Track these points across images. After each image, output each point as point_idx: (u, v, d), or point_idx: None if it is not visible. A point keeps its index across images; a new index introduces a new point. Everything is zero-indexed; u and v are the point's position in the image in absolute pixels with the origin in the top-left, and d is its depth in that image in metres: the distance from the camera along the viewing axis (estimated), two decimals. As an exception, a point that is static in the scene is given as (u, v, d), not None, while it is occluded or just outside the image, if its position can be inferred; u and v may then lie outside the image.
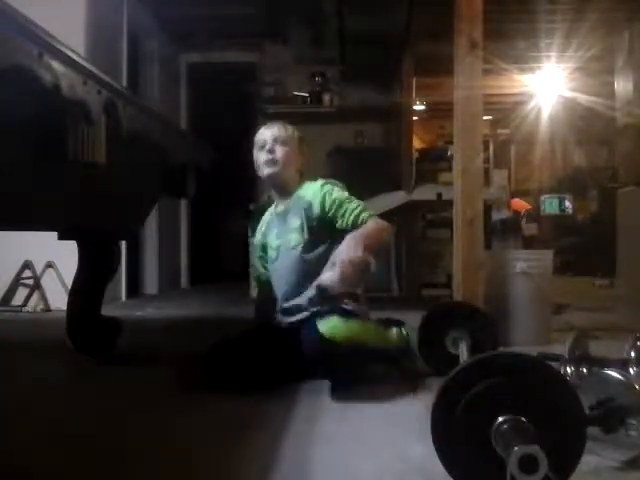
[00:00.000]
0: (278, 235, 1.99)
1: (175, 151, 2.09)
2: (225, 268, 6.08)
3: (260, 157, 1.97)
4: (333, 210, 1.86)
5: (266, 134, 1.98)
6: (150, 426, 1.39)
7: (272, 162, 1.94)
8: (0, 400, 1.62)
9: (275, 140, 1.95)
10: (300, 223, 1.89)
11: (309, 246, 1.87)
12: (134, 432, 1.35)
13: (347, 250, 1.64)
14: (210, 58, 5.54)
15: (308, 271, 1.82)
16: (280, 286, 1.95)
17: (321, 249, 1.87)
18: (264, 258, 2.09)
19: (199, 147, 2.42)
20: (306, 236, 1.88)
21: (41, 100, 1.19)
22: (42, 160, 1.33)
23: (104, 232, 2.13)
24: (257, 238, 2.13)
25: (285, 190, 2.00)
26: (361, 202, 1.89)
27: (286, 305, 1.90)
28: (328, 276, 1.62)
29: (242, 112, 5.67)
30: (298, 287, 1.86)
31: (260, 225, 2.13)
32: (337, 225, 1.85)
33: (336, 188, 1.93)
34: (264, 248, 2.08)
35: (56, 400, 1.67)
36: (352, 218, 1.82)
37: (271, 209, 2.11)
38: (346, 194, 1.92)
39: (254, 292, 4.47)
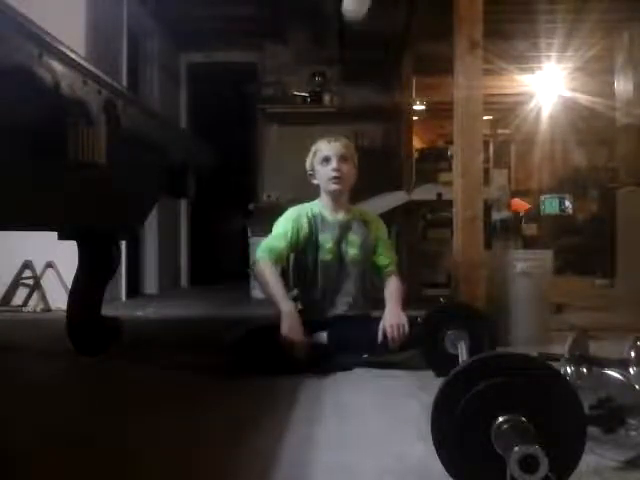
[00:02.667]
0: (335, 240, 2.11)
1: (175, 151, 2.09)
2: (225, 268, 6.07)
3: (324, 172, 2.11)
4: (378, 246, 2.17)
5: (331, 150, 2.11)
6: (150, 426, 1.39)
7: (338, 180, 2.10)
8: (0, 400, 1.62)
9: (341, 158, 2.10)
10: (361, 242, 2.14)
11: (362, 264, 2.15)
12: (134, 432, 1.35)
13: (396, 317, 1.98)
14: (210, 58, 5.55)
15: (362, 286, 2.15)
16: (335, 291, 2.13)
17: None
18: (292, 245, 2.09)
19: (199, 147, 2.42)
20: (362, 255, 2.14)
21: (41, 100, 1.19)
22: (42, 160, 1.33)
23: (104, 232, 2.13)
24: (293, 224, 2.10)
25: (341, 202, 2.17)
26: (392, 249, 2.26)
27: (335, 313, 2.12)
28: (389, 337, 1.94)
29: (242, 112, 5.67)
30: (353, 297, 2.13)
31: (301, 217, 2.12)
32: (372, 257, 2.17)
33: (384, 228, 2.24)
34: (308, 241, 2.10)
35: (56, 400, 1.67)
36: (386, 263, 2.16)
37: (321, 210, 2.15)
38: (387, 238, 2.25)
39: (257, 292, 4.48)
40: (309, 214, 2.13)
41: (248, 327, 2.03)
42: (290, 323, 1.87)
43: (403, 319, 1.96)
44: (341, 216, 2.15)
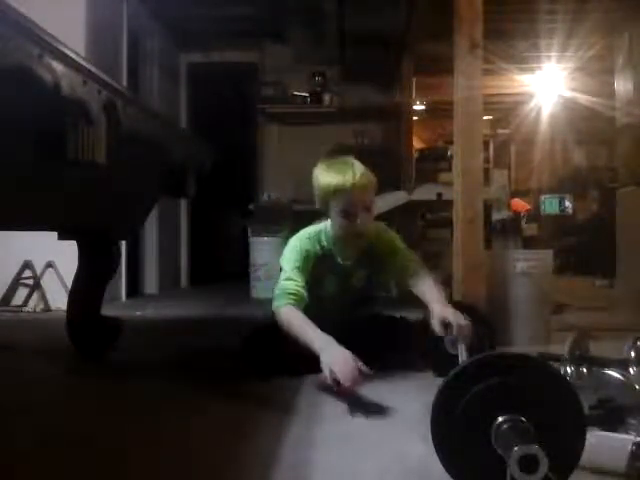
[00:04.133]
0: (337, 283, 1.95)
1: (175, 151, 2.09)
2: (225, 268, 6.07)
3: (343, 224, 1.80)
4: (395, 261, 1.92)
5: (355, 203, 1.77)
6: (150, 426, 1.39)
7: (359, 235, 1.83)
8: (0, 400, 1.62)
9: (366, 207, 1.80)
10: (368, 274, 1.99)
11: (366, 289, 2.04)
12: (134, 432, 1.34)
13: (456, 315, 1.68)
14: (210, 58, 5.54)
15: (356, 302, 2.04)
16: (325, 314, 1.85)
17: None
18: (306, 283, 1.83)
19: (199, 147, 2.42)
20: (368, 283, 2.02)
21: (41, 100, 1.19)
22: (42, 160, 1.33)
23: (104, 232, 2.13)
24: (307, 259, 1.85)
25: (356, 250, 1.92)
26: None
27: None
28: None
29: (242, 112, 5.67)
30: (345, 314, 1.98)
31: (313, 250, 1.88)
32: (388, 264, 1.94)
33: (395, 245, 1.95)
34: (312, 276, 1.86)
35: (56, 400, 1.67)
36: (408, 264, 1.91)
37: (332, 249, 1.91)
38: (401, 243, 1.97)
39: (257, 292, 4.49)
40: (318, 251, 1.89)
41: (256, 327, 1.99)
42: (342, 364, 1.47)
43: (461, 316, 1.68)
44: (353, 257, 1.93)
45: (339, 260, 1.92)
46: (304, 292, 1.78)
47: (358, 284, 2.00)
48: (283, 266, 1.85)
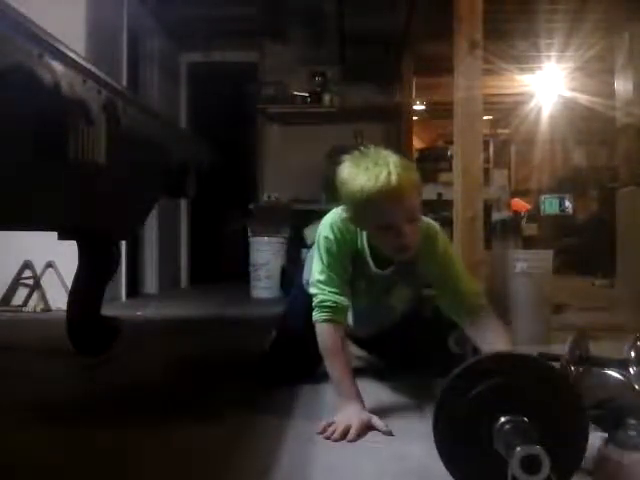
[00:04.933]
0: (369, 292, 1.63)
1: (175, 151, 2.09)
2: (225, 268, 6.07)
3: (387, 240, 1.42)
4: (443, 273, 1.54)
5: (397, 213, 1.37)
6: (150, 426, 1.39)
7: (405, 249, 1.42)
8: (0, 400, 1.62)
9: (408, 220, 1.38)
10: (415, 285, 1.69)
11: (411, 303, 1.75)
12: (134, 432, 1.34)
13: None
14: (210, 58, 5.54)
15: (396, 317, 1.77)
16: (361, 326, 1.73)
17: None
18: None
19: (199, 147, 2.42)
20: (412, 300, 1.73)
21: (41, 100, 1.19)
22: (42, 160, 1.33)
23: (104, 232, 2.13)
24: (346, 265, 1.53)
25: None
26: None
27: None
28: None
29: (242, 112, 5.67)
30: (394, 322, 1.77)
31: (350, 253, 1.53)
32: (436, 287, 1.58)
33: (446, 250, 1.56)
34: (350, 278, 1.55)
35: (56, 400, 1.67)
36: (472, 292, 1.52)
37: (361, 253, 1.54)
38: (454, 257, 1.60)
39: (257, 292, 4.49)
40: (353, 248, 1.53)
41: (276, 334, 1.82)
42: (355, 431, 1.27)
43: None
44: (390, 268, 1.57)
45: (373, 267, 1.56)
46: (346, 303, 1.49)
47: (399, 305, 1.69)
48: (319, 263, 1.51)
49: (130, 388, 1.79)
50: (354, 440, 1.25)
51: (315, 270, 1.52)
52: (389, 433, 1.29)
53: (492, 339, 1.43)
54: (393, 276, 1.59)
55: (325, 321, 1.46)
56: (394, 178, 1.32)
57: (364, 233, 1.51)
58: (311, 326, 1.49)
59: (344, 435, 1.25)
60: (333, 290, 1.48)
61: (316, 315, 1.48)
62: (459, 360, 1.04)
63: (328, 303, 1.47)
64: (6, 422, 1.43)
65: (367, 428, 1.30)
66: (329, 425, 1.29)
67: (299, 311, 1.67)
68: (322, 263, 1.50)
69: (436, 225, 1.59)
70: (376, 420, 1.32)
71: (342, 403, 1.38)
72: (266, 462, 1.13)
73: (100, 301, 2.18)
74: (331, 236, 1.50)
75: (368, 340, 1.89)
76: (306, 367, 1.74)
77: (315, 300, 1.49)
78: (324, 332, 1.47)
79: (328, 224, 1.52)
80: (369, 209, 1.37)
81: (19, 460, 1.18)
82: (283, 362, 1.74)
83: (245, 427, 1.37)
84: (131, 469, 1.14)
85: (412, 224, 1.40)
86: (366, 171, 1.35)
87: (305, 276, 1.74)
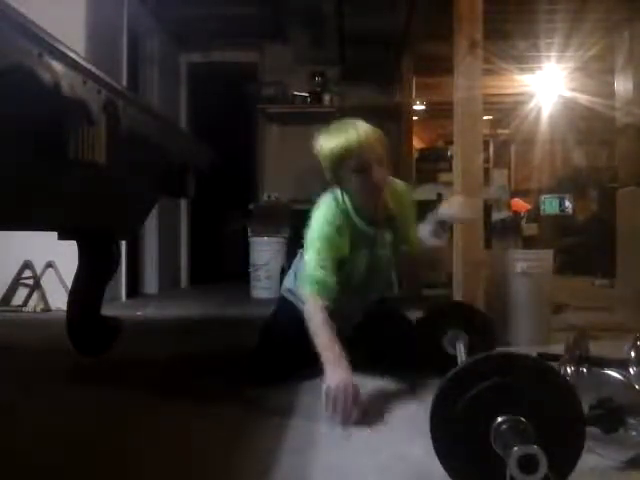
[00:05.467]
0: (368, 256, 1.81)
1: (175, 151, 2.09)
2: (225, 268, 6.07)
3: (359, 183, 1.67)
4: (409, 229, 1.89)
5: (365, 155, 1.65)
6: (150, 426, 1.39)
7: (377, 193, 1.70)
8: (0, 400, 1.62)
9: (377, 162, 1.67)
10: (392, 237, 1.86)
11: (391, 262, 1.92)
12: (134, 432, 1.35)
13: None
14: (210, 58, 5.54)
15: (383, 285, 1.99)
16: (356, 297, 1.86)
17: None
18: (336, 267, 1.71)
19: (199, 147, 2.42)
20: (393, 252, 1.88)
21: (41, 100, 1.19)
22: (42, 160, 1.33)
23: (104, 232, 2.13)
24: (336, 247, 1.71)
25: (377, 208, 1.79)
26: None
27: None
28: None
29: (242, 112, 5.67)
30: (371, 297, 1.94)
31: (340, 235, 1.73)
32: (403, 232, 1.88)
33: (412, 206, 1.94)
34: (342, 259, 1.74)
35: (56, 400, 1.67)
36: (415, 241, 1.89)
37: (354, 223, 1.77)
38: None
39: (257, 292, 4.49)
40: (344, 228, 1.73)
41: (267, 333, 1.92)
42: (341, 393, 1.39)
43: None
44: (376, 222, 1.81)
45: (365, 228, 1.78)
46: (334, 285, 1.66)
47: (384, 254, 1.85)
48: (312, 248, 1.70)
49: (130, 388, 1.79)
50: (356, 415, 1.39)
51: (309, 258, 1.70)
52: (364, 403, 1.45)
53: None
54: (379, 230, 1.82)
55: (315, 293, 1.63)
56: (361, 132, 1.66)
57: (349, 206, 1.75)
58: (297, 336, 1.61)
59: (349, 413, 1.38)
60: (324, 272, 1.66)
61: (308, 288, 1.66)
62: (454, 360, 1.06)
63: (319, 279, 1.65)
64: (6, 422, 1.43)
65: (357, 391, 1.41)
66: (331, 403, 1.38)
67: (284, 321, 1.85)
68: (315, 251, 1.69)
69: (403, 183, 1.94)
70: (355, 387, 1.43)
71: (330, 369, 1.47)
72: (266, 462, 1.13)
73: (100, 301, 2.18)
74: (320, 229, 1.71)
75: (358, 336, 1.91)
76: (290, 370, 1.78)
77: (308, 277, 1.67)
78: (312, 305, 1.63)
79: (315, 220, 1.75)
80: (344, 161, 1.66)
81: (19, 460, 1.18)
82: (269, 365, 1.79)
83: (245, 427, 1.37)
84: (131, 469, 1.14)
85: (381, 167, 1.67)
86: (337, 135, 1.68)
87: (287, 284, 1.96)
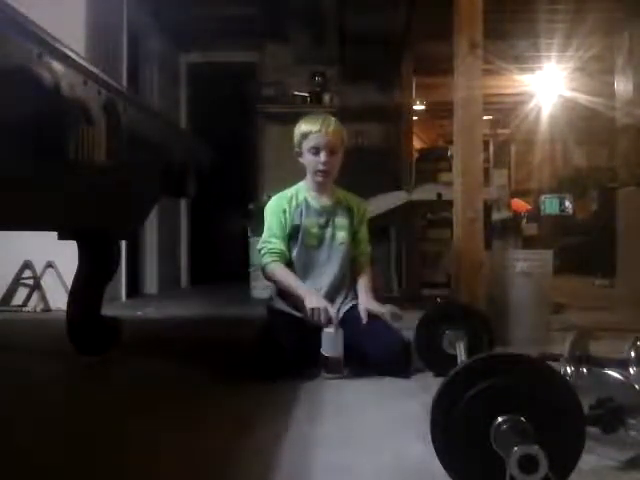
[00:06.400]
0: (321, 226, 2.09)
1: (175, 151, 2.09)
2: (225, 268, 6.07)
3: (312, 161, 2.06)
4: (358, 232, 2.17)
5: (322, 141, 2.03)
6: (150, 426, 1.39)
7: (326, 173, 2.07)
8: (0, 400, 1.62)
9: (331, 150, 2.05)
10: (349, 223, 2.13)
11: (350, 246, 2.13)
12: (134, 432, 1.35)
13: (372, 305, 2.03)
14: (210, 58, 5.54)
15: (346, 267, 2.12)
16: (318, 274, 2.08)
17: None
18: (288, 237, 2.07)
19: (199, 147, 2.42)
20: (349, 238, 2.12)
21: (41, 100, 1.19)
22: (42, 160, 1.33)
23: (104, 232, 2.13)
24: (284, 217, 2.07)
25: (327, 187, 2.13)
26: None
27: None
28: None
29: (242, 112, 5.67)
30: (337, 279, 2.09)
31: (289, 206, 2.09)
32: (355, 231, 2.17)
33: (367, 214, 2.23)
34: (294, 228, 2.07)
35: (56, 400, 1.67)
36: (362, 251, 2.17)
37: (306, 196, 2.11)
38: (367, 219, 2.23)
39: (257, 292, 4.49)
40: (293, 202, 2.10)
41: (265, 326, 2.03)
42: (316, 296, 1.92)
43: (378, 307, 2.00)
44: (326, 201, 2.12)
45: (314, 203, 2.11)
46: (286, 249, 2.05)
47: (341, 235, 2.10)
48: (265, 224, 2.09)
49: (130, 388, 1.79)
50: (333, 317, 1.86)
51: (264, 233, 2.08)
52: (335, 318, 1.87)
53: (362, 287, 2.09)
54: (333, 209, 2.11)
55: (273, 261, 2.02)
56: (325, 123, 2.05)
57: (307, 189, 2.12)
58: (296, 339, 1.84)
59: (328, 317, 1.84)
60: (277, 242, 2.04)
61: (265, 259, 2.04)
62: (454, 360, 1.07)
63: (274, 250, 2.03)
64: (6, 422, 1.43)
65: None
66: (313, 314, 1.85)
67: (281, 326, 1.95)
68: (267, 227, 2.08)
69: (360, 198, 2.26)
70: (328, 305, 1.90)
71: (307, 296, 1.92)
72: (266, 462, 1.13)
73: (100, 301, 2.18)
74: (269, 206, 2.11)
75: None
76: (290, 369, 1.82)
77: (262, 250, 2.05)
78: (272, 268, 2.02)
79: (270, 204, 2.12)
80: (304, 140, 2.06)
81: (19, 460, 1.18)
82: (269, 364, 1.83)
83: (245, 427, 1.37)
84: (131, 469, 1.14)
85: (333, 156, 2.05)
86: (309, 121, 2.09)
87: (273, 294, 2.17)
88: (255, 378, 1.79)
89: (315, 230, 2.08)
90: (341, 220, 2.12)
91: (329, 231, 2.09)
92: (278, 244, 2.04)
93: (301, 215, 2.08)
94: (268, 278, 2.06)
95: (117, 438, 1.31)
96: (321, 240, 2.08)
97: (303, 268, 2.07)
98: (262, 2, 4.59)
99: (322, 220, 2.09)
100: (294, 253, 2.07)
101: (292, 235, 2.07)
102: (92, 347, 2.13)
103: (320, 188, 2.12)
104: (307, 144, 2.06)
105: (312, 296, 1.92)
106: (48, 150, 1.30)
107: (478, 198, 2.39)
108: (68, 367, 2.11)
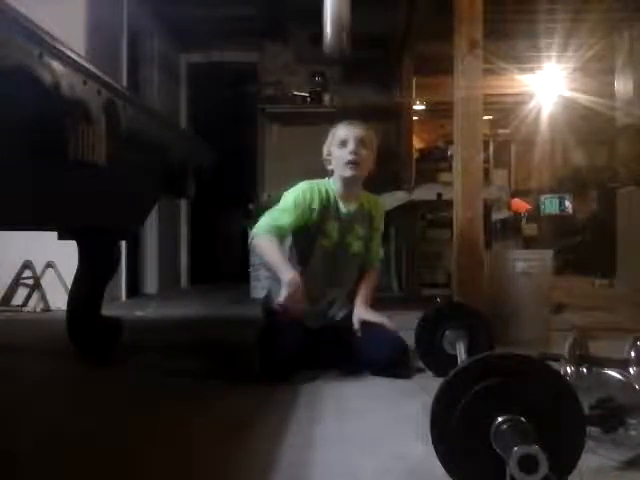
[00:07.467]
0: (340, 231, 2.02)
1: (175, 151, 2.09)
2: (225, 268, 6.07)
3: (340, 155, 1.99)
4: (373, 238, 2.13)
5: (350, 133, 1.99)
6: (150, 426, 1.39)
7: (355, 164, 1.98)
8: (0, 400, 1.62)
9: (360, 141, 1.98)
10: (364, 234, 2.08)
11: (361, 256, 2.09)
12: (134, 432, 1.35)
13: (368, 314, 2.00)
14: (210, 58, 5.54)
15: (354, 276, 2.10)
16: (326, 277, 2.03)
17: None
18: (301, 222, 1.96)
19: (199, 147, 2.42)
20: (363, 247, 2.08)
21: (41, 100, 1.19)
22: (42, 160, 1.33)
23: (104, 232, 2.13)
24: (308, 212, 1.96)
25: (354, 192, 2.07)
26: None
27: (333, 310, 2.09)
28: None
29: (242, 112, 5.67)
30: (344, 286, 2.09)
31: (319, 205, 1.98)
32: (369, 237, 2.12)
33: (383, 221, 2.18)
34: (314, 224, 1.97)
35: (56, 400, 1.67)
36: (375, 255, 2.15)
37: (333, 199, 2.02)
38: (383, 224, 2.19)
39: (257, 292, 4.49)
40: (323, 196, 2.00)
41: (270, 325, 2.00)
42: (291, 291, 1.74)
43: (374, 317, 1.97)
44: (352, 207, 2.05)
45: (341, 207, 2.03)
46: (288, 230, 1.94)
47: (356, 244, 2.05)
48: (282, 201, 1.98)
49: (129, 388, 1.79)
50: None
51: (275, 212, 1.95)
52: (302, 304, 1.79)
53: (360, 294, 2.05)
54: (354, 215, 2.05)
55: (265, 233, 1.88)
56: (355, 124, 2.01)
57: (334, 188, 2.03)
58: (294, 340, 1.83)
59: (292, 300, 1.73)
60: (284, 220, 1.91)
61: (260, 229, 1.89)
62: (454, 360, 1.06)
63: (277, 223, 1.90)
64: (6, 422, 1.43)
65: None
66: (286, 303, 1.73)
67: (279, 327, 1.90)
68: (283, 209, 1.94)
69: (378, 197, 2.22)
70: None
71: (283, 270, 1.79)
72: (266, 462, 1.13)
73: (100, 301, 2.18)
74: (297, 195, 1.96)
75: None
76: (289, 369, 1.83)
77: (266, 219, 1.92)
78: (264, 239, 1.88)
79: (297, 186, 2.00)
80: (337, 135, 2.01)
81: (19, 460, 1.18)
82: (269, 364, 1.84)
83: (245, 427, 1.37)
84: (131, 469, 1.14)
85: (364, 149, 1.98)
86: (341, 125, 2.04)
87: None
88: (255, 378, 1.79)
89: (335, 234, 2.01)
90: (359, 229, 2.06)
91: (347, 238, 2.04)
92: (283, 221, 1.91)
93: (326, 214, 1.99)
94: (254, 247, 1.92)
95: (117, 438, 1.31)
96: (337, 246, 2.02)
97: (319, 268, 2.00)
98: (262, 2, 4.58)
99: (344, 226, 2.03)
100: (307, 250, 1.99)
101: (310, 230, 1.98)
102: (92, 347, 2.13)
103: (349, 186, 2.03)
104: (336, 140, 2.01)
105: (289, 286, 1.75)
106: (48, 149, 1.30)
107: (478, 198, 2.39)
108: (68, 367, 2.11)
